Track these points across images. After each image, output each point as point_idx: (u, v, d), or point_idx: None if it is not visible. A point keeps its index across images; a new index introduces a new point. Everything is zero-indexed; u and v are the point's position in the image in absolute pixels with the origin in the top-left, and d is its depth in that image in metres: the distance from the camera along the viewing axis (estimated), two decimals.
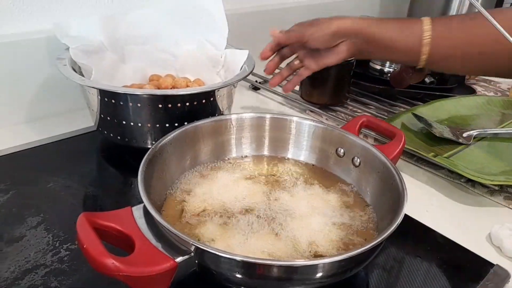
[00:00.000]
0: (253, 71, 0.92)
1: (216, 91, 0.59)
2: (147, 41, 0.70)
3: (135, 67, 0.70)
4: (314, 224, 0.47)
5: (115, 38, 0.68)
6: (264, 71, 0.72)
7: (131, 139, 0.59)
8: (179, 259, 0.36)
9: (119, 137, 0.60)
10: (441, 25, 0.62)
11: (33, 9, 0.67)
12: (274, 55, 0.71)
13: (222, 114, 0.62)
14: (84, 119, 0.69)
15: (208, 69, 0.69)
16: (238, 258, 0.36)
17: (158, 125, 0.57)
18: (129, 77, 0.68)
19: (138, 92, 0.55)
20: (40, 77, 0.68)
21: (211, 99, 0.59)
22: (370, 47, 0.65)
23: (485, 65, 0.63)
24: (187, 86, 0.66)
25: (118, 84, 0.66)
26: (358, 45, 0.65)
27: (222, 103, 0.62)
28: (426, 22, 0.62)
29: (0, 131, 0.66)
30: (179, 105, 0.56)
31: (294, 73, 0.72)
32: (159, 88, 0.64)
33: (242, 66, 0.66)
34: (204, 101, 0.58)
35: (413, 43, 0.62)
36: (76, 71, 0.60)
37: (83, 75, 0.62)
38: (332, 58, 0.66)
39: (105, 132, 0.61)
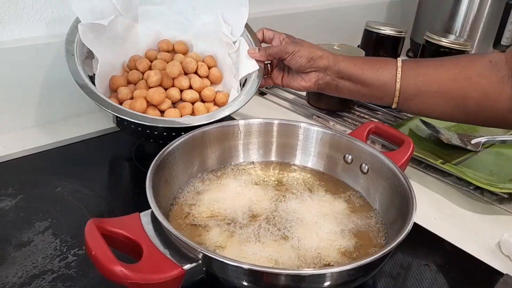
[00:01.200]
0: None
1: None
2: (164, 2, 0.68)
3: (149, 29, 0.68)
4: (322, 232, 0.46)
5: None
6: None
7: (148, 139, 0.61)
8: (187, 266, 0.36)
9: (136, 135, 0.62)
10: (410, 66, 0.62)
11: (42, 14, 0.67)
12: None
13: (230, 118, 0.62)
14: (92, 124, 0.70)
15: (221, 47, 0.68)
16: (245, 266, 0.36)
17: (174, 134, 0.58)
18: (141, 39, 0.68)
19: (152, 123, 0.56)
20: (48, 81, 0.68)
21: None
22: (341, 82, 0.64)
23: (447, 106, 0.60)
24: (196, 69, 0.66)
25: (129, 49, 0.67)
26: (327, 79, 0.64)
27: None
28: (399, 61, 0.62)
29: (9, 135, 0.66)
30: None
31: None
32: (165, 76, 0.63)
33: (252, 75, 0.66)
34: None
35: (385, 80, 0.62)
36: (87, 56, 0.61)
37: (93, 56, 0.62)
38: (298, 84, 0.66)
39: (123, 128, 0.62)
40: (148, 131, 0.59)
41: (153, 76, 0.62)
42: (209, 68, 0.68)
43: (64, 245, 0.47)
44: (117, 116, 0.58)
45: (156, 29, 0.69)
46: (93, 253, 0.34)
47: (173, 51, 0.69)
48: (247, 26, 0.69)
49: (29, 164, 0.61)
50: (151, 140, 0.60)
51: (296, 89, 0.67)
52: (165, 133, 0.58)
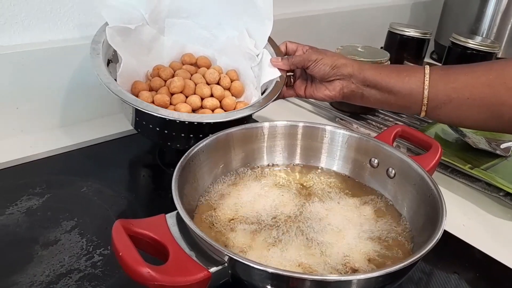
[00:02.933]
0: None
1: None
2: (190, 17, 0.69)
3: (173, 42, 0.69)
4: (347, 237, 0.46)
5: (158, 10, 0.67)
6: None
7: (166, 142, 0.60)
8: (213, 269, 0.36)
9: (153, 138, 0.61)
10: (438, 73, 0.59)
11: (69, 17, 0.68)
12: None
13: (253, 120, 0.62)
14: (117, 124, 0.70)
15: (245, 61, 0.68)
16: (270, 270, 0.35)
17: (192, 135, 0.58)
18: (166, 51, 0.68)
19: (170, 116, 0.54)
20: (74, 83, 0.69)
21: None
22: (367, 90, 0.62)
23: (481, 114, 0.57)
24: (219, 81, 0.66)
25: (154, 59, 0.67)
26: (353, 87, 0.62)
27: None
28: (426, 68, 0.59)
29: (35, 136, 0.67)
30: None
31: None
32: (187, 85, 0.63)
33: (273, 82, 0.64)
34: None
35: (413, 87, 0.59)
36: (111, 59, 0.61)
37: (117, 60, 0.63)
38: (322, 93, 0.64)
39: (141, 131, 0.62)
40: (166, 132, 0.58)
41: (176, 82, 0.62)
42: (232, 81, 0.67)
43: (90, 245, 0.47)
44: (136, 117, 0.58)
45: (181, 42, 0.70)
46: (120, 254, 0.34)
47: (195, 64, 0.69)
48: (269, 40, 0.68)
49: (55, 164, 0.62)
50: (168, 143, 0.60)
51: (320, 99, 0.65)
52: (182, 134, 0.58)
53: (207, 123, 0.56)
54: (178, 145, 0.60)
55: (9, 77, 0.63)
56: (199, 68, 0.68)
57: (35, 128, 0.68)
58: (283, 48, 0.68)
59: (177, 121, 0.54)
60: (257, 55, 0.67)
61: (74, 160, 0.64)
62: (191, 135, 0.57)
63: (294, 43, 0.68)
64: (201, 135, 0.57)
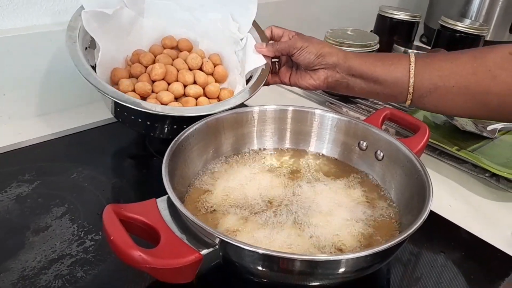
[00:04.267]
0: None
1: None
2: None
3: (154, 24, 0.67)
4: (336, 219, 0.46)
5: None
6: None
7: (149, 132, 0.59)
8: (204, 251, 0.36)
9: (135, 128, 0.60)
10: (424, 61, 0.58)
11: (50, 2, 0.67)
12: None
13: (243, 105, 0.61)
14: (106, 110, 0.70)
15: (228, 45, 0.67)
16: (260, 251, 0.36)
17: (175, 127, 0.57)
18: (146, 33, 0.66)
19: (152, 110, 0.53)
20: (62, 68, 0.68)
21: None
22: (352, 79, 0.61)
23: (466, 102, 0.57)
24: (201, 66, 0.64)
25: (133, 43, 0.65)
26: (337, 76, 0.61)
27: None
28: (411, 56, 0.59)
29: (24, 122, 0.66)
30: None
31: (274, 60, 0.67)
32: (169, 71, 0.62)
33: (258, 70, 0.63)
34: None
35: (398, 76, 0.58)
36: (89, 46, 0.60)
37: (95, 45, 0.61)
38: (307, 82, 0.63)
39: (121, 120, 0.60)
40: (148, 123, 0.57)
41: (158, 69, 0.60)
42: (215, 66, 0.66)
43: (81, 230, 0.47)
44: (116, 108, 0.57)
45: (162, 25, 0.68)
46: (111, 238, 0.35)
47: (177, 48, 0.68)
48: (254, 24, 0.67)
49: (44, 151, 0.61)
50: (151, 133, 0.59)
51: (305, 87, 0.64)
52: (165, 126, 0.57)
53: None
54: (161, 136, 0.59)
55: None
56: (180, 52, 0.67)
57: (23, 115, 0.67)
58: (268, 33, 0.67)
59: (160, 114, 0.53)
60: (241, 39, 0.66)
61: (63, 146, 0.63)
62: (175, 126, 0.57)
63: (280, 28, 0.67)
64: (184, 126, 0.55)
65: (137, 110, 0.53)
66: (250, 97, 0.59)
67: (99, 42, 0.60)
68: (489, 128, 0.70)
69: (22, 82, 0.65)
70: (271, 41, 0.66)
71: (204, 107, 0.57)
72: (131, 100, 0.54)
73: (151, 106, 0.53)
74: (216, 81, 0.65)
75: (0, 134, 0.63)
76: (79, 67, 0.55)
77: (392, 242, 0.37)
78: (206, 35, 0.69)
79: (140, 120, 0.57)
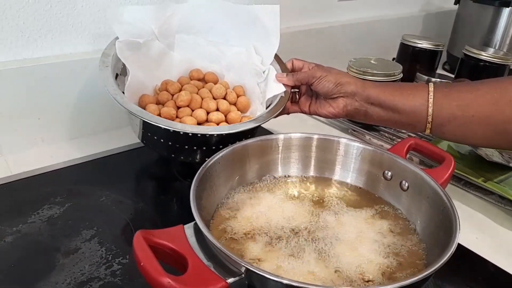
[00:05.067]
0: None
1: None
2: (199, 33, 0.71)
3: (182, 57, 0.70)
4: (361, 250, 0.46)
5: (167, 26, 0.69)
6: None
7: (171, 155, 0.61)
8: (230, 280, 0.37)
9: (161, 152, 0.62)
10: (442, 91, 0.59)
11: (88, 30, 0.70)
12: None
13: (268, 132, 0.63)
14: (133, 134, 0.72)
15: (251, 77, 0.69)
16: (285, 281, 0.36)
17: (195, 148, 0.59)
18: (175, 66, 0.70)
19: (173, 127, 0.55)
20: (95, 93, 0.71)
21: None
22: (371, 108, 0.62)
23: (486, 132, 0.57)
24: (225, 96, 0.66)
25: (162, 73, 0.68)
26: (356, 105, 0.62)
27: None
28: (430, 86, 0.59)
29: (56, 145, 0.69)
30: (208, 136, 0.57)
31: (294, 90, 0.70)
32: (194, 99, 0.64)
33: (278, 96, 0.65)
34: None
35: (417, 105, 0.59)
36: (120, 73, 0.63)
37: (126, 73, 0.64)
38: (326, 110, 0.64)
39: (148, 144, 0.63)
40: (170, 143, 0.59)
41: (183, 96, 0.63)
42: (238, 96, 0.68)
43: (109, 254, 0.48)
44: (142, 129, 0.59)
45: (190, 58, 0.71)
46: (142, 264, 0.36)
47: (203, 80, 0.71)
48: (276, 57, 0.70)
49: (75, 174, 0.64)
50: (173, 155, 0.60)
51: (324, 116, 0.65)
52: (186, 146, 0.58)
53: (210, 135, 0.57)
54: (182, 157, 0.60)
55: (31, 88, 0.65)
56: (206, 83, 0.70)
57: (56, 138, 0.70)
58: (289, 65, 0.69)
59: (181, 133, 0.55)
60: (263, 72, 0.69)
61: (92, 170, 0.65)
62: (195, 147, 0.58)
63: (301, 60, 0.69)
64: (204, 148, 0.58)
65: (160, 127, 0.55)
66: (269, 119, 0.61)
67: (129, 68, 0.63)
68: None
69: (55, 107, 0.68)
70: (292, 72, 0.68)
71: (223, 127, 0.60)
72: (155, 118, 0.56)
73: (172, 124, 0.56)
74: (239, 110, 0.67)
75: (34, 157, 0.65)
76: (108, 87, 0.58)
77: (419, 277, 0.36)
78: (231, 68, 0.71)
79: (162, 140, 0.59)
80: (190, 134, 0.56)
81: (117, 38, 0.64)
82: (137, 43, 0.64)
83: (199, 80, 0.70)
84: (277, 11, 0.68)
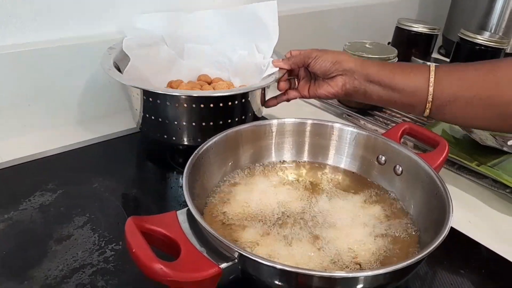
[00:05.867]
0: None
1: (249, 93, 0.60)
2: (208, 43, 0.74)
3: (191, 65, 0.73)
4: (355, 234, 0.46)
5: (177, 35, 0.72)
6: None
7: (171, 136, 0.61)
8: (223, 265, 0.36)
9: (159, 135, 0.62)
10: (444, 70, 0.58)
11: (81, 15, 0.69)
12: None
13: (262, 118, 0.63)
14: (126, 121, 0.71)
15: (255, 75, 0.70)
16: (278, 267, 0.36)
17: (194, 124, 0.59)
18: (184, 73, 0.72)
19: (176, 93, 0.57)
20: (85, 80, 0.70)
21: (243, 100, 0.60)
22: (370, 86, 0.60)
23: (487, 113, 0.55)
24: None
25: (172, 77, 0.71)
26: (355, 83, 0.61)
27: (255, 103, 0.63)
28: (432, 65, 0.58)
29: (47, 132, 0.68)
30: (211, 105, 0.58)
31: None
32: (194, 86, 0.68)
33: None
34: (236, 102, 0.59)
35: (417, 85, 0.58)
36: (120, 71, 0.63)
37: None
38: (325, 91, 0.63)
39: (146, 130, 0.63)
40: (167, 122, 0.59)
41: (183, 86, 0.65)
42: None
43: (102, 240, 0.48)
44: (143, 106, 0.60)
45: (198, 66, 0.74)
46: (133, 250, 0.35)
47: (211, 84, 0.72)
48: (274, 50, 0.71)
49: (66, 161, 0.63)
50: (173, 138, 0.61)
51: (324, 97, 0.64)
52: (184, 123, 0.59)
53: (206, 100, 0.58)
54: (181, 139, 0.61)
55: (21, 75, 0.64)
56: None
57: (46, 125, 0.69)
58: (287, 56, 0.68)
59: (180, 101, 0.56)
60: (263, 66, 0.69)
61: (85, 156, 0.65)
62: (193, 123, 0.59)
63: (298, 50, 0.68)
64: (203, 123, 0.59)
65: (160, 98, 0.57)
66: (265, 85, 0.62)
67: (132, 58, 0.64)
68: (510, 142, 0.69)
69: (45, 93, 0.67)
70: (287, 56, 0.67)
71: (220, 91, 0.63)
72: (157, 88, 0.58)
73: (170, 91, 0.58)
74: None
75: (24, 144, 0.64)
76: (104, 65, 0.60)
77: (412, 260, 0.36)
78: (238, 73, 0.73)
79: (160, 119, 0.59)
80: (185, 105, 0.57)
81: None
82: (145, 44, 0.67)
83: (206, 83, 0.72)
84: (275, 6, 0.68)
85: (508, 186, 0.60)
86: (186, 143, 0.61)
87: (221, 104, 0.58)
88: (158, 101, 0.57)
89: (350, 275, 0.37)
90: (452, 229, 0.52)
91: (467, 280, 0.47)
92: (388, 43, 1.02)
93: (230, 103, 0.58)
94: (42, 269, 0.44)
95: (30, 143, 0.65)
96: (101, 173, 0.60)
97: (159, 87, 0.68)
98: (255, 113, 0.64)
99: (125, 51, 0.64)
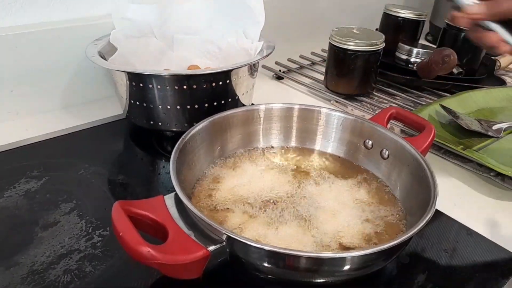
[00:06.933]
0: (277, 60, 0.92)
1: (234, 73, 0.60)
2: (197, 33, 0.73)
3: (181, 56, 0.73)
4: (341, 218, 0.47)
5: (166, 26, 0.71)
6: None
7: (157, 122, 0.61)
8: (211, 248, 0.37)
9: (145, 121, 0.62)
10: None
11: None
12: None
13: (252, 104, 0.63)
14: (113, 107, 0.71)
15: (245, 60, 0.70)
16: (267, 248, 0.36)
17: (179, 107, 0.59)
18: (174, 64, 0.72)
19: (159, 73, 0.57)
20: (70, 65, 0.69)
21: (227, 81, 0.60)
22: None
23: None
24: None
25: (161, 68, 0.71)
26: None
27: (241, 85, 0.63)
28: None
29: (31, 118, 0.67)
30: (194, 86, 0.58)
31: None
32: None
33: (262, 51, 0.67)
34: (221, 83, 0.59)
35: None
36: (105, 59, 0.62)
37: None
38: None
39: (132, 117, 0.63)
40: (151, 106, 0.60)
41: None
42: None
43: (89, 226, 0.48)
44: (128, 105, 0.60)
45: (188, 56, 0.73)
46: (120, 234, 0.35)
47: None
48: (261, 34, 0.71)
49: (52, 147, 0.62)
50: (159, 123, 0.61)
51: None
52: (168, 107, 0.59)
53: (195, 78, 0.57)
54: (167, 125, 0.61)
55: (2, 60, 0.62)
56: None
57: (31, 111, 0.68)
58: None
59: (163, 80, 0.56)
60: (250, 50, 0.69)
61: (70, 143, 0.64)
62: (178, 106, 0.59)
63: None
64: (188, 106, 0.58)
65: (146, 80, 0.57)
66: (259, 59, 0.63)
67: (118, 48, 0.64)
68: (495, 127, 0.70)
69: (28, 78, 0.66)
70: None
71: (215, 67, 0.63)
72: (143, 70, 0.57)
73: (157, 71, 0.58)
74: None
75: (8, 131, 0.63)
76: (88, 53, 0.60)
77: (398, 241, 0.37)
78: (228, 60, 0.73)
79: (145, 104, 0.59)
80: (168, 87, 0.57)
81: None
82: (133, 36, 0.67)
83: None
84: None
85: (492, 170, 0.61)
86: (172, 128, 0.60)
87: (205, 86, 0.57)
88: (141, 85, 0.56)
89: (338, 255, 0.38)
90: (437, 211, 0.53)
91: (452, 260, 0.47)
92: (376, 29, 1.02)
93: (214, 84, 0.58)
94: (28, 256, 0.44)
95: (14, 130, 0.64)
96: (88, 160, 0.59)
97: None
98: (242, 96, 0.64)
99: (113, 43, 0.64)
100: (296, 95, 0.85)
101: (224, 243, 0.37)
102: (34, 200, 0.51)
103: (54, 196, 0.52)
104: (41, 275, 0.41)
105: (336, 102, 0.81)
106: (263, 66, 0.92)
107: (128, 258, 0.35)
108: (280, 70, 0.93)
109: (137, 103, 0.60)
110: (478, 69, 0.94)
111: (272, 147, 0.58)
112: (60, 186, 0.54)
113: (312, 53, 1.04)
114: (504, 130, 0.70)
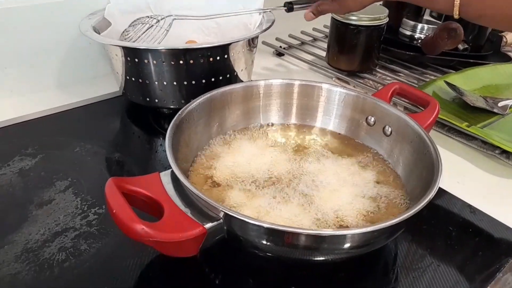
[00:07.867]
0: (278, 36, 0.90)
1: (231, 48, 0.59)
2: (195, 8, 0.71)
3: (178, 33, 0.71)
4: (342, 195, 0.46)
5: (162, 4, 0.70)
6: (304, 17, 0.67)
7: (154, 99, 0.60)
8: (208, 225, 0.36)
9: (141, 97, 0.60)
10: None
11: None
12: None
13: (252, 81, 0.61)
14: (109, 85, 0.69)
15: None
16: (266, 225, 0.35)
17: (175, 83, 0.58)
18: (170, 42, 0.70)
19: (154, 47, 0.56)
20: (65, 42, 0.68)
21: (225, 56, 0.59)
22: None
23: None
24: None
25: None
26: None
27: (240, 61, 0.61)
28: None
29: (26, 96, 0.66)
30: (191, 61, 0.56)
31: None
32: None
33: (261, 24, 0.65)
34: (218, 58, 0.58)
35: None
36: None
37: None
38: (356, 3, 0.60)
39: (129, 94, 0.62)
40: (147, 82, 0.58)
41: None
42: None
43: (85, 204, 0.47)
44: (124, 82, 0.59)
45: (186, 34, 0.72)
46: (114, 211, 0.34)
47: None
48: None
49: (47, 125, 0.61)
50: (156, 100, 0.60)
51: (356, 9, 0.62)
52: (164, 82, 0.57)
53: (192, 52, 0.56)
54: (163, 101, 0.59)
55: None
56: None
57: (25, 89, 0.67)
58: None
59: (159, 55, 0.55)
60: (249, 24, 0.68)
61: (66, 121, 0.63)
62: (174, 82, 0.57)
63: None
64: (185, 82, 0.57)
65: (141, 55, 0.55)
66: (261, 32, 0.62)
67: (113, 23, 0.63)
68: (500, 104, 0.68)
69: (22, 57, 0.64)
70: None
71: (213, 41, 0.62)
72: (139, 45, 0.57)
73: (154, 45, 0.56)
74: None
75: (2, 109, 0.62)
76: (82, 27, 0.59)
77: (399, 218, 0.36)
78: (226, 35, 0.71)
79: (140, 80, 0.58)
80: (164, 62, 0.55)
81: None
82: (129, 11, 0.65)
83: None
84: None
85: (497, 147, 0.59)
86: (169, 105, 0.59)
87: (202, 61, 0.56)
88: (137, 60, 0.55)
89: (338, 232, 0.37)
90: (441, 189, 0.52)
91: (455, 238, 0.47)
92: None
93: (211, 59, 0.56)
94: (22, 233, 0.43)
95: (8, 108, 0.62)
96: (83, 138, 0.58)
97: None
98: (241, 72, 0.62)
99: (107, 18, 0.62)
100: (297, 72, 0.83)
101: (221, 220, 0.36)
102: (28, 178, 0.50)
103: (49, 174, 0.51)
104: (36, 253, 0.41)
105: (338, 79, 0.79)
106: (263, 42, 0.90)
107: (123, 236, 0.34)
108: (280, 47, 0.90)
109: (133, 79, 0.58)
110: (484, 45, 0.91)
111: (272, 124, 0.57)
112: (55, 164, 0.53)
113: (314, 29, 1.02)
114: (510, 107, 0.68)
